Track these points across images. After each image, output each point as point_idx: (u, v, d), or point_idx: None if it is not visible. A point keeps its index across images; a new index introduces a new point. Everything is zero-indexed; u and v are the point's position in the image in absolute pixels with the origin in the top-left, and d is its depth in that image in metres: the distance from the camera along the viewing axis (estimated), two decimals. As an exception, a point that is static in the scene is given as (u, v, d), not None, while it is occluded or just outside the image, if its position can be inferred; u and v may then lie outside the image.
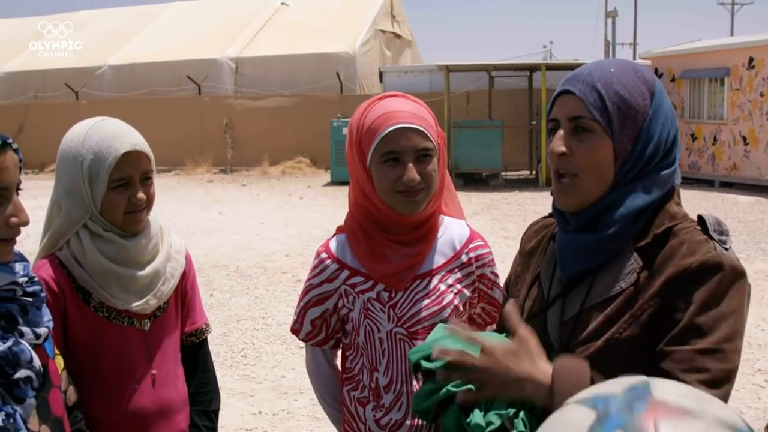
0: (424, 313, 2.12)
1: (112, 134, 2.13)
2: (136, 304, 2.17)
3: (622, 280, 1.64)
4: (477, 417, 1.65)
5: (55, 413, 1.79)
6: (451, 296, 2.15)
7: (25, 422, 1.65)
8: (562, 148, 1.67)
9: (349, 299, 2.18)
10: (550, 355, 1.68)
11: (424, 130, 2.05)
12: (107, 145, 2.10)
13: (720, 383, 1.51)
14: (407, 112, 2.05)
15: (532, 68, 20.10)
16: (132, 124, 2.25)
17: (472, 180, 18.84)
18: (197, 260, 9.81)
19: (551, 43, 47.23)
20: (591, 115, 1.64)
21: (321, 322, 2.25)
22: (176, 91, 23.65)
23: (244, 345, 6.96)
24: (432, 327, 2.07)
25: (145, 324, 2.23)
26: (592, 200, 1.68)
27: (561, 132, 1.69)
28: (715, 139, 18.24)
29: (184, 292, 2.38)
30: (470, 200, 15.92)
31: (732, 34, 40.82)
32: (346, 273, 2.19)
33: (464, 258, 2.20)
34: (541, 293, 1.81)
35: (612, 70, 1.67)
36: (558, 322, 1.73)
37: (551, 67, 19.09)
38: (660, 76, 19.73)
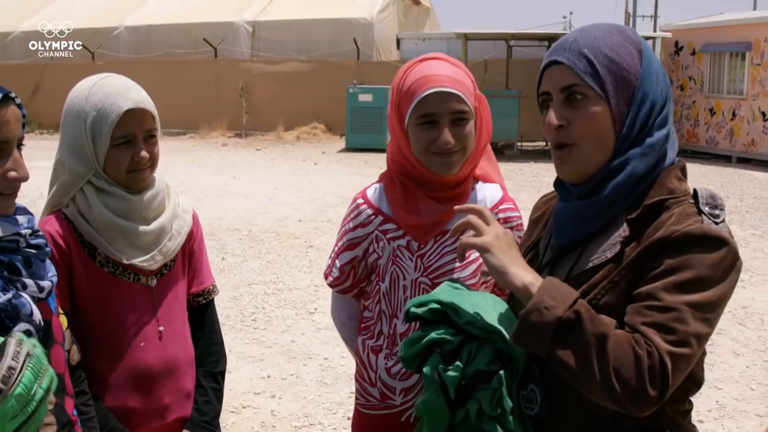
0: (449, 267, 2.20)
1: (116, 91, 2.10)
2: (142, 259, 2.16)
3: (608, 250, 1.62)
4: (455, 370, 1.66)
5: (56, 369, 1.78)
6: (477, 254, 2.15)
7: None
8: (558, 121, 1.64)
9: (379, 245, 2.26)
10: None
11: (461, 94, 2.10)
12: (110, 102, 2.08)
13: (679, 344, 1.47)
14: (445, 75, 2.11)
15: (551, 38, 19.90)
16: (147, 86, 2.22)
17: (487, 150, 18.73)
18: (210, 224, 9.88)
19: (571, 13, 46.77)
20: (583, 81, 1.61)
21: (349, 269, 2.32)
22: (192, 54, 23.58)
23: (255, 309, 6.97)
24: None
25: (151, 280, 2.22)
26: (595, 168, 1.65)
27: (554, 105, 1.65)
28: (734, 115, 18.05)
29: (191, 252, 2.36)
30: (485, 170, 15.82)
31: (755, 8, 40.28)
32: (380, 219, 2.27)
33: None
34: (536, 260, 1.81)
35: (597, 33, 1.65)
36: None
37: (570, 38, 18.85)
38: (680, 49, 19.52)
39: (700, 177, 15.20)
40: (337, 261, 2.34)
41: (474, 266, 2.19)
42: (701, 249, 1.52)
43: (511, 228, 2.24)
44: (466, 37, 18.91)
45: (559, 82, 1.64)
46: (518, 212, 2.31)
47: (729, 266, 1.54)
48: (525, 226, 2.24)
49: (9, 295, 1.61)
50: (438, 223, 2.20)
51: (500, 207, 2.27)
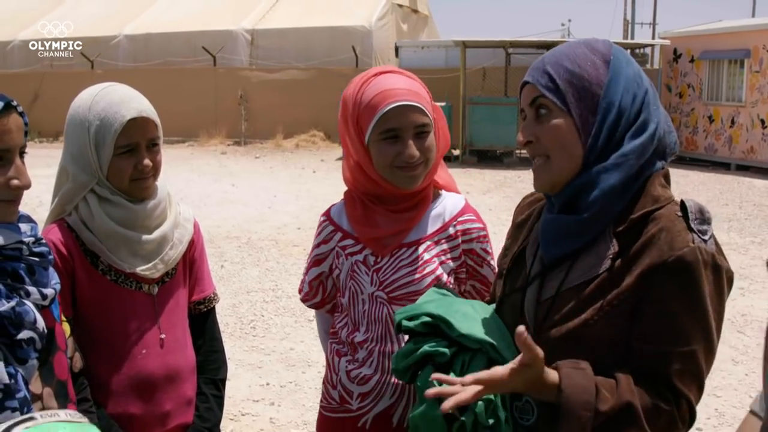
0: (404, 280, 2.19)
1: (119, 100, 2.12)
2: (144, 268, 2.18)
3: (598, 266, 1.65)
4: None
5: (59, 376, 1.79)
6: (433, 266, 2.20)
7: (26, 383, 1.65)
8: (523, 138, 1.71)
9: (339, 260, 2.27)
10: None
11: (422, 107, 2.10)
12: (113, 111, 2.10)
13: (700, 384, 1.64)
14: (405, 89, 2.10)
15: (550, 46, 19.91)
16: (146, 95, 2.24)
17: (486, 157, 18.77)
18: (209, 231, 9.87)
19: (569, 21, 46.92)
20: (545, 96, 1.67)
21: (317, 284, 2.36)
22: (191, 62, 23.60)
23: (254, 317, 6.98)
24: (410, 293, 2.17)
25: (152, 288, 2.24)
26: (565, 179, 1.68)
27: (525, 122, 1.72)
28: (732, 122, 18.08)
29: (192, 260, 2.38)
30: (483, 177, 15.88)
31: (753, 15, 40.36)
32: (339, 235, 2.29)
33: (451, 231, 2.24)
34: (523, 270, 1.83)
35: (562, 50, 1.71)
36: (534, 301, 1.75)
37: (569, 46, 18.87)
38: (679, 56, 19.55)
39: (699, 184, 15.22)
40: (306, 277, 2.38)
41: (430, 279, 2.18)
42: (700, 277, 1.57)
43: (471, 240, 2.24)
44: (465, 45, 18.93)
45: (525, 99, 1.72)
46: (481, 223, 2.28)
47: (724, 288, 1.62)
48: (489, 236, 2.26)
49: (12, 303, 1.62)
50: (398, 233, 2.20)
51: (459, 219, 2.25)
